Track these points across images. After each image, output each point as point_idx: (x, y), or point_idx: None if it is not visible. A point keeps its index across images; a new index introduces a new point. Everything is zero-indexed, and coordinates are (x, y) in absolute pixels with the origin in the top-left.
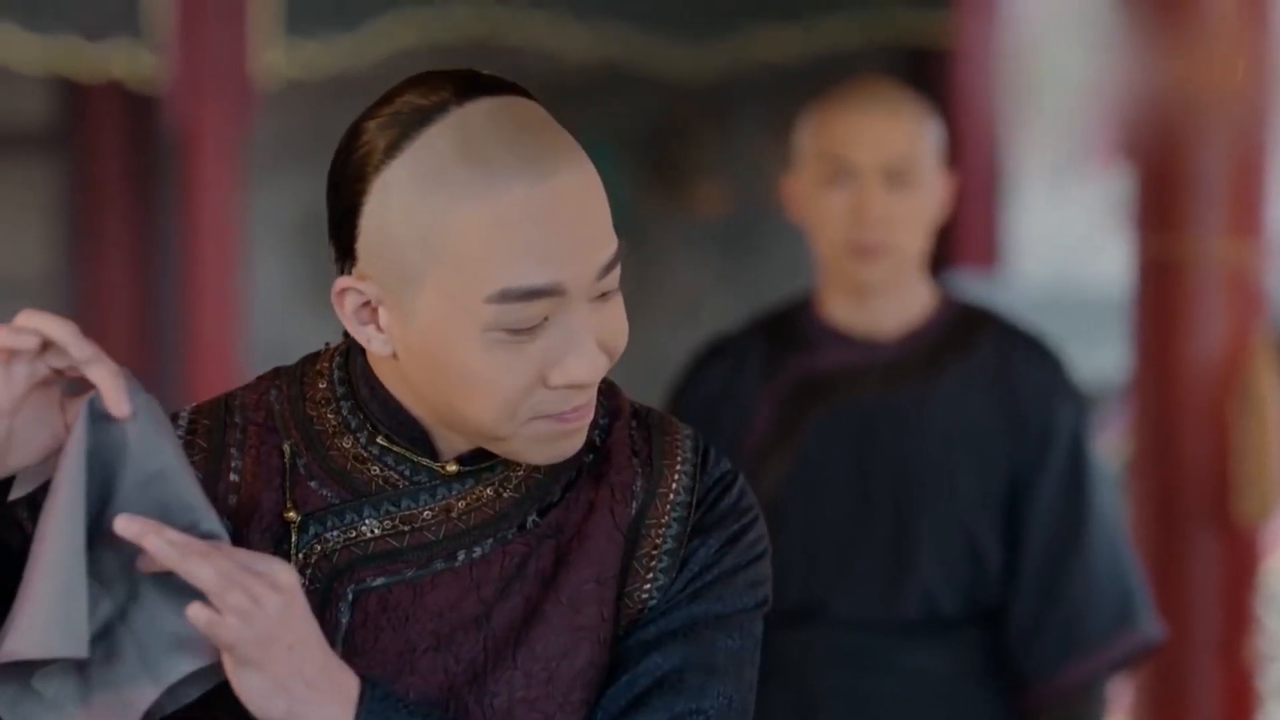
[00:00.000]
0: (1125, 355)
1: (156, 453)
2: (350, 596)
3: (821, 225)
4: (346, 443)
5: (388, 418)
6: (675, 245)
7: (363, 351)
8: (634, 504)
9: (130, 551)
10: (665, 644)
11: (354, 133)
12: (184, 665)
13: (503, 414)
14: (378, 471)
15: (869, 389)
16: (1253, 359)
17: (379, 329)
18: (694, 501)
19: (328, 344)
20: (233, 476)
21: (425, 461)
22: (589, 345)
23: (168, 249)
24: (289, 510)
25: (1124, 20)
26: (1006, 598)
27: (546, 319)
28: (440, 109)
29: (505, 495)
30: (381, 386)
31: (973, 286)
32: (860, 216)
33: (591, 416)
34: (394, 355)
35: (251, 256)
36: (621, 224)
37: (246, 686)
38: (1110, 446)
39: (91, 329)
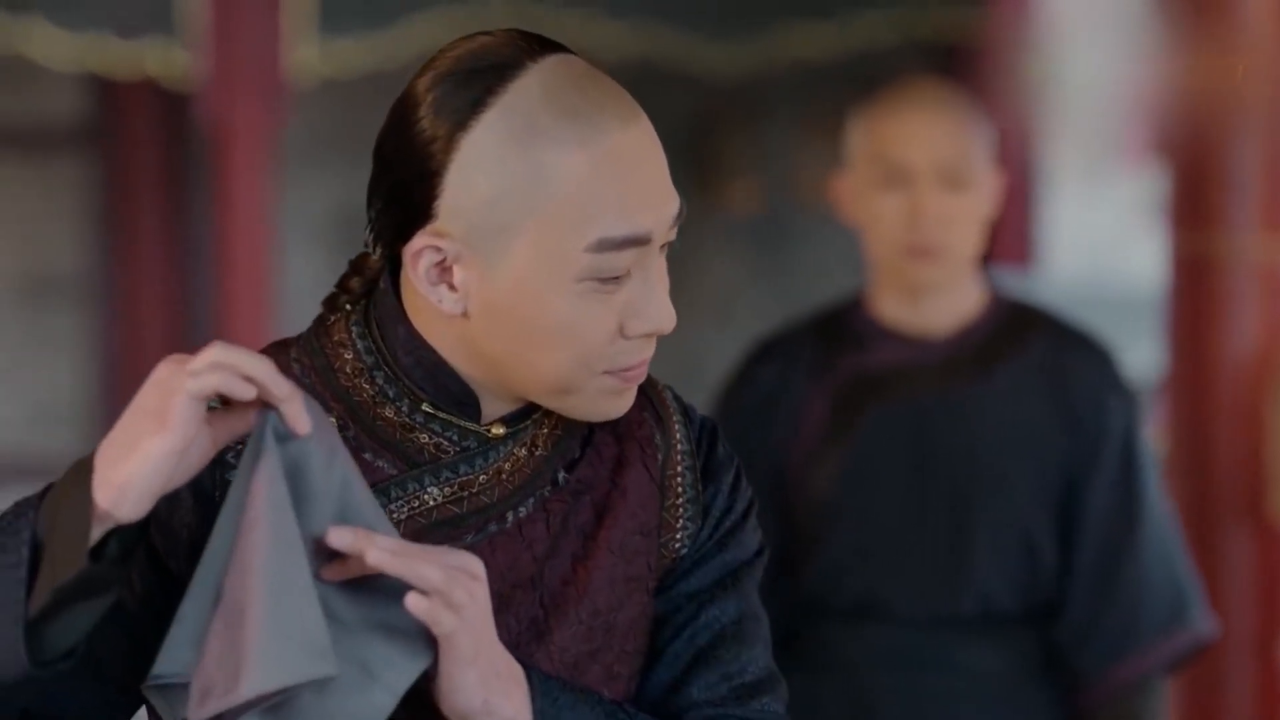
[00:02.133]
0: (1159, 352)
1: (333, 463)
2: None
3: (876, 227)
4: (389, 412)
5: (434, 383)
6: (709, 243)
7: (396, 320)
8: (659, 456)
9: (315, 567)
10: (716, 596)
11: (414, 97)
12: (413, 667)
13: (581, 365)
14: (427, 440)
15: (922, 387)
16: None
17: (451, 288)
18: (694, 450)
19: (329, 316)
20: None
21: (471, 426)
22: (664, 295)
23: (201, 246)
24: None
25: (1158, 17)
26: (1061, 595)
27: (629, 270)
28: (518, 64)
29: (537, 454)
30: (432, 351)
31: (1007, 284)
32: (916, 219)
33: (645, 374)
34: (464, 314)
35: (285, 253)
36: None
37: (461, 683)
38: None
39: (125, 326)
